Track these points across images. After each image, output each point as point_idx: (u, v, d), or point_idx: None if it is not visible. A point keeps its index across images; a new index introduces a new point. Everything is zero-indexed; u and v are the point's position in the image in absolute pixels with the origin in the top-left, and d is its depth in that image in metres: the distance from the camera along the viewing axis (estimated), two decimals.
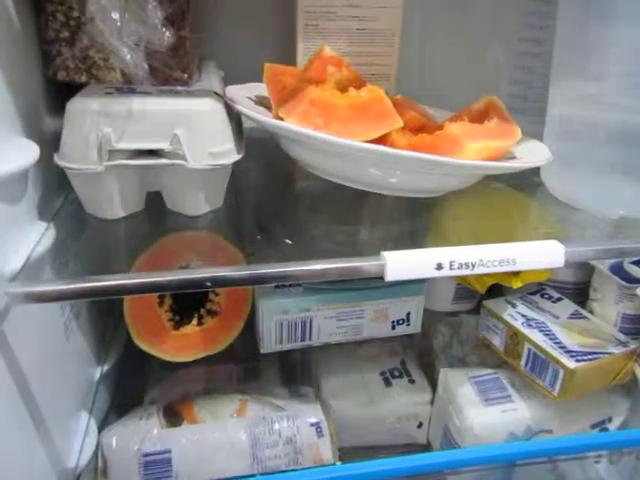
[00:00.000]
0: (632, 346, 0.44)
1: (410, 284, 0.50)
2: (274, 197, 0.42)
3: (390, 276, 0.29)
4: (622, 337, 0.46)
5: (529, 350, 0.45)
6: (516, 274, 0.50)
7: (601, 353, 0.44)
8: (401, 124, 0.32)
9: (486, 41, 0.58)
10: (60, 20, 0.34)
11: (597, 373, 0.43)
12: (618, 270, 0.47)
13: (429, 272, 0.29)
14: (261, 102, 0.42)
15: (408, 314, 0.51)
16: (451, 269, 0.30)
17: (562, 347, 0.44)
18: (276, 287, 0.48)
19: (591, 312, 0.50)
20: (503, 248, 0.31)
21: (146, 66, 0.30)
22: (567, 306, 0.50)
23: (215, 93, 0.36)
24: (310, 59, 0.41)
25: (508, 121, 0.39)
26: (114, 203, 0.33)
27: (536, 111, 0.49)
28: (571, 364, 0.42)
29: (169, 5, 0.33)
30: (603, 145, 0.38)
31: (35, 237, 0.31)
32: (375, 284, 0.49)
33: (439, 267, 0.30)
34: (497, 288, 0.52)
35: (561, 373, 0.42)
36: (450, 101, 0.55)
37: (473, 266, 0.30)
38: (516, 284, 0.49)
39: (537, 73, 0.56)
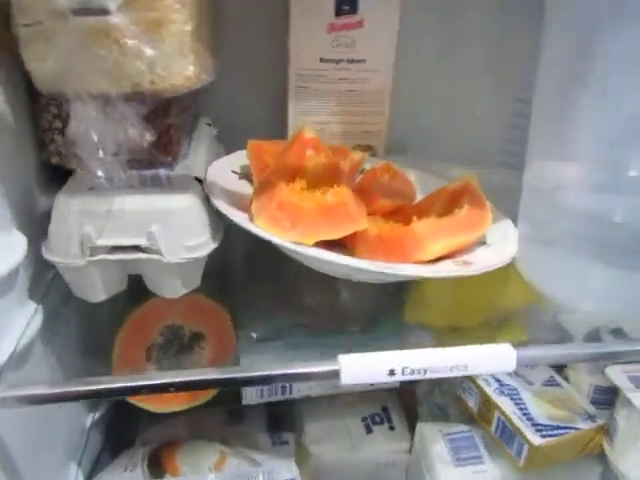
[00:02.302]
0: (601, 421, 0.45)
1: (388, 341, 0.52)
2: (253, 275, 0.45)
3: (344, 380, 0.31)
4: (592, 410, 0.47)
5: (499, 418, 0.47)
6: (494, 334, 0.51)
7: (569, 428, 0.45)
8: (364, 226, 0.34)
9: (480, 98, 0.58)
10: (53, 112, 0.37)
11: (563, 448, 0.44)
12: (592, 341, 0.48)
13: (382, 377, 0.31)
14: (246, 175, 0.44)
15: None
16: (403, 374, 0.31)
17: (530, 419, 0.45)
18: (257, 341, 0.50)
19: (566, 379, 0.51)
20: (455, 353, 0.32)
21: (123, 174, 0.32)
22: (543, 371, 0.51)
23: (196, 179, 0.38)
24: (292, 137, 0.42)
25: (480, 206, 0.40)
26: (97, 289, 0.36)
27: None
28: (536, 440, 0.43)
29: (152, 102, 0.35)
30: (575, 233, 0.39)
31: (23, 321, 0.34)
32: (355, 340, 0.51)
33: (391, 373, 0.31)
34: None
35: (526, 447, 0.44)
36: (441, 149, 0.57)
37: (425, 372, 0.32)
38: None
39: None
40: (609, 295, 0.38)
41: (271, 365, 0.31)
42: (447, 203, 0.42)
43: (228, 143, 0.56)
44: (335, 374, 0.31)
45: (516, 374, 0.51)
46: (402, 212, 0.41)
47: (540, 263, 0.41)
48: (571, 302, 0.39)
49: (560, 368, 0.53)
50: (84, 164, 0.30)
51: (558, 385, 0.50)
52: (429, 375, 0.32)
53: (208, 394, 0.49)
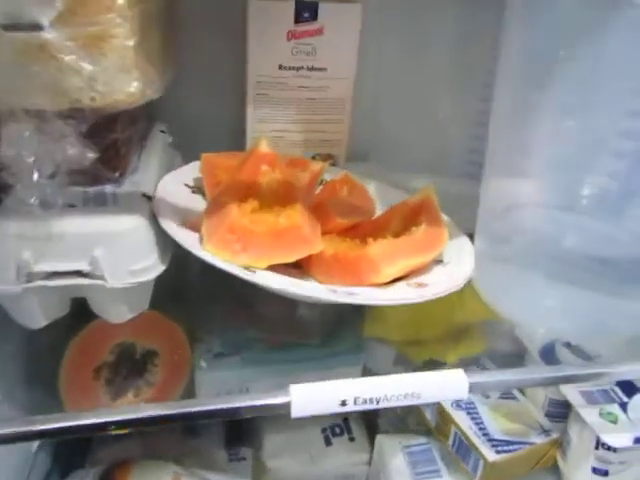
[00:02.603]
0: (555, 435, 0.46)
1: (348, 355, 0.51)
2: (210, 288, 0.43)
3: (295, 414, 0.30)
4: (547, 424, 0.47)
5: (455, 433, 0.47)
6: (453, 346, 0.52)
7: (524, 443, 0.45)
8: (318, 249, 0.33)
9: (443, 107, 0.58)
10: None
11: (518, 463, 0.45)
12: (548, 354, 0.48)
13: (334, 408, 0.30)
14: (199, 188, 0.42)
15: None
16: (355, 404, 0.31)
17: (486, 434, 0.45)
18: (215, 357, 0.49)
19: (522, 391, 0.51)
20: (408, 381, 0.32)
21: (59, 200, 0.30)
22: None
23: (144, 196, 0.37)
24: (248, 151, 0.40)
25: (438, 224, 0.39)
26: (36, 315, 0.34)
27: None
28: (491, 456, 0.43)
29: (93, 118, 0.33)
30: (530, 251, 0.39)
31: None
32: (314, 355, 0.50)
33: (343, 403, 0.31)
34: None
35: (481, 462, 0.44)
36: (403, 158, 0.56)
37: (377, 401, 0.31)
38: (450, 359, 0.51)
39: None
40: (564, 314, 0.39)
41: (214, 400, 0.30)
42: (405, 219, 0.41)
43: (186, 150, 0.54)
44: (286, 407, 0.30)
45: None
46: (360, 229, 0.40)
47: (496, 281, 0.41)
48: (525, 322, 0.39)
49: None
50: (18, 189, 0.28)
51: (514, 398, 0.50)
52: (382, 405, 0.31)
53: None
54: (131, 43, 0.29)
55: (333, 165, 0.54)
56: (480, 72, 0.52)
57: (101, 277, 0.32)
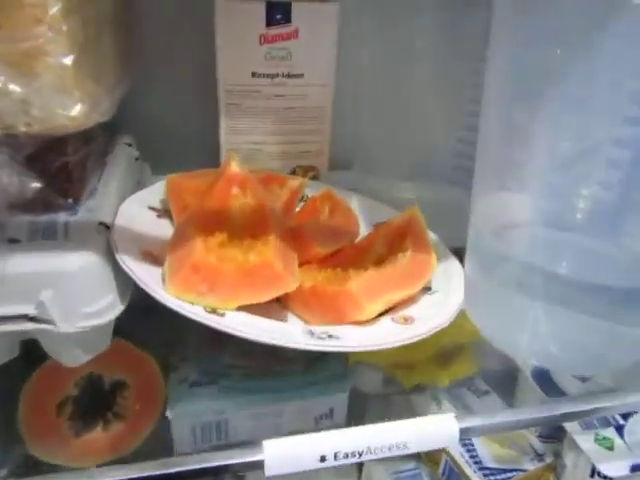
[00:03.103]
0: (548, 460, 0.44)
1: (332, 382, 0.48)
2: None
3: (269, 472, 0.27)
4: (540, 448, 0.45)
5: (446, 461, 0.44)
6: (444, 368, 0.49)
7: (516, 470, 0.43)
8: (293, 287, 0.30)
9: (428, 111, 0.55)
10: None
11: None
12: (541, 376, 0.46)
13: (312, 464, 0.28)
14: (167, 211, 0.39)
15: (331, 410, 0.50)
16: (336, 460, 0.28)
17: (477, 462, 0.43)
18: (190, 386, 0.46)
19: None
20: (394, 431, 0.29)
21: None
22: (493, 403, 0.49)
23: (101, 225, 0.33)
24: (218, 171, 0.37)
25: (424, 249, 0.36)
26: None
27: None
28: None
29: (34, 143, 0.29)
30: (521, 276, 0.36)
31: None
32: (294, 382, 0.47)
33: (322, 459, 0.28)
34: None
35: None
36: (387, 165, 0.53)
37: (360, 454, 0.28)
38: (443, 382, 0.48)
39: None
40: (559, 344, 0.36)
41: (180, 460, 0.27)
42: (389, 242, 0.38)
43: (157, 164, 0.51)
44: (259, 465, 0.27)
45: (466, 408, 0.48)
46: (341, 255, 0.37)
47: (486, 306, 0.38)
48: (517, 352, 0.36)
49: (510, 400, 0.51)
50: None
51: None
52: (365, 457, 0.28)
53: (133, 443, 0.44)
54: (68, 60, 0.25)
55: (314, 177, 0.51)
56: (467, 72, 0.49)
57: (50, 322, 0.29)
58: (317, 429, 0.51)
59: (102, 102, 0.30)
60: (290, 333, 0.29)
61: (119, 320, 0.33)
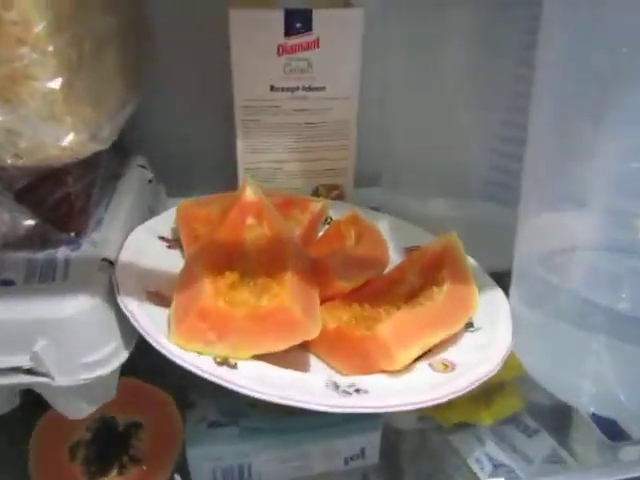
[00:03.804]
0: None
1: (363, 419, 0.44)
2: None
3: None
4: None
5: None
6: (487, 406, 0.44)
7: None
8: (314, 334, 0.26)
9: (462, 121, 0.50)
10: None
11: None
12: (606, 421, 0.41)
13: None
14: (178, 240, 0.36)
15: (363, 449, 0.46)
16: None
17: None
18: (209, 426, 0.43)
19: (571, 453, 0.44)
20: None
21: None
22: (544, 443, 0.44)
23: (104, 260, 0.30)
24: (233, 196, 0.33)
25: (464, 282, 0.32)
26: None
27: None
28: None
29: (27, 175, 0.27)
30: (576, 311, 0.31)
31: None
32: (321, 420, 0.43)
33: None
34: None
35: None
36: (418, 180, 0.49)
37: None
38: (486, 421, 0.43)
39: (520, 159, 0.49)
40: (625, 390, 0.31)
41: None
42: (424, 272, 0.34)
43: (172, 187, 0.48)
44: None
45: (513, 449, 0.43)
46: (369, 289, 0.33)
47: (536, 345, 0.33)
48: (573, 399, 0.31)
49: (564, 438, 0.46)
50: None
51: (562, 462, 0.43)
52: None
53: None
54: (56, 84, 0.22)
55: (339, 196, 0.47)
56: (501, 80, 0.44)
57: (46, 374, 0.26)
58: (348, 471, 0.47)
59: (102, 128, 0.27)
60: (311, 389, 0.25)
61: (130, 355, 0.30)
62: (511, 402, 0.44)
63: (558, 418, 0.47)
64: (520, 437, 0.45)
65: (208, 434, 0.41)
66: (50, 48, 0.22)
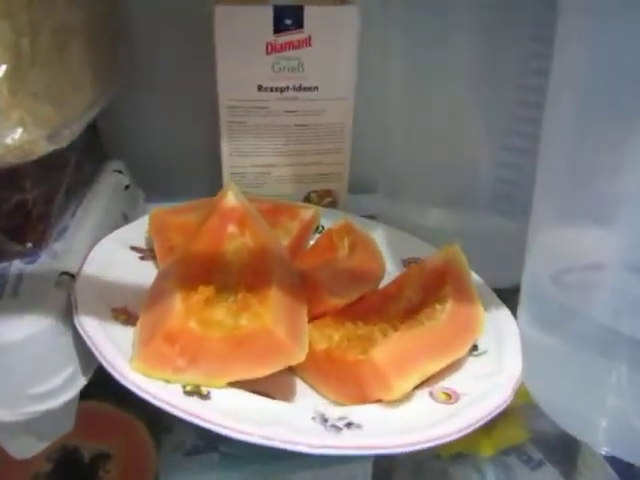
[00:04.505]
0: None
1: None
2: None
3: None
4: None
5: None
6: (488, 434, 0.41)
7: None
8: (300, 359, 0.23)
9: (463, 127, 0.47)
10: None
11: None
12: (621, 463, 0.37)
13: None
14: (152, 251, 0.32)
15: (353, 478, 0.42)
16: None
17: None
18: (186, 454, 0.39)
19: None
20: None
21: None
22: (549, 477, 0.41)
23: (65, 274, 0.27)
24: (213, 204, 0.30)
25: (468, 299, 0.29)
26: None
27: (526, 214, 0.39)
28: None
29: None
30: (593, 336, 0.28)
31: None
32: None
33: None
34: None
35: None
36: (416, 188, 0.46)
37: None
38: (486, 451, 0.40)
39: (526, 170, 0.46)
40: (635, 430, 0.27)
41: None
42: (424, 288, 0.31)
43: (151, 190, 0.45)
44: None
45: None
46: (363, 305, 0.29)
47: (547, 375, 0.30)
48: (585, 434, 0.28)
49: (571, 473, 0.42)
50: None
51: None
52: None
53: None
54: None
55: (332, 203, 0.44)
56: (508, 85, 0.41)
57: None
58: None
59: (62, 125, 0.24)
60: (295, 424, 0.21)
61: (96, 374, 0.27)
62: (515, 432, 0.41)
63: (565, 449, 0.44)
64: (523, 469, 0.41)
65: (184, 463, 0.38)
66: None
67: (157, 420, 0.37)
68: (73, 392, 0.24)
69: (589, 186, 0.26)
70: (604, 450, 0.27)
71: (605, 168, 0.25)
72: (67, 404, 0.24)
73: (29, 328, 0.23)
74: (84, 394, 0.27)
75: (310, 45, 0.38)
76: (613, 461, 0.37)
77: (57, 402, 0.24)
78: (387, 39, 0.41)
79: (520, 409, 0.41)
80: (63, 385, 0.24)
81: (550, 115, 0.28)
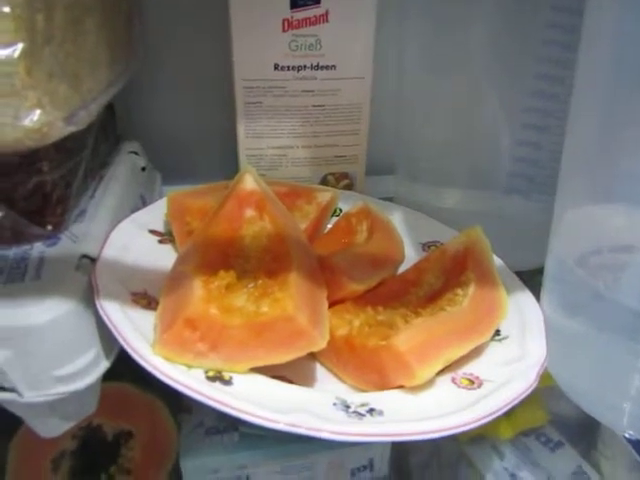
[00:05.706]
0: None
1: None
2: None
3: None
4: None
5: None
6: (508, 417, 0.41)
7: None
8: (321, 346, 0.22)
9: (482, 106, 0.46)
10: None
11: None
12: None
13: None
14: (171, 234, 0.32)
15: (371, 461, 0.42)
16: None
17: None
18: (206, 433, 0.39)
19: (598, 470, 0.40)
20: None
21: None
22: (568, 458, 0.40)
23: (85, 257, 0.27)
24: (230, 188, 0.30)
25: (491, 284, 0.28)
26: None
27: (545, 194, 0.38)
28: None
29: None
30: (628, 321, 0.27)
31: None
32: None
33: None
34: None
35: None
36: (434, 169, 0.45)
37: None
38: (506, 434, 0.40)
39: (545, 149, 0.44)
40: None
41: None
42: (445, 273, 0.30)
43: (168, 172, 0.44)
44: None
45: (534, 463, 0.40)
46: (383, 290, 0.29)
47: (568, 357, 0.30)
48: (610, 419, 0.28)
49: (591, 454, 0.42)
50: None
51: (587, 478, 0.39)
52: None
53: None
54: (15, 51, 0.18)
55: (349, 186, 0.43)
56: (527, 62, 0.40)
57: (12, 389, 0.23)
58: None
59: (79, 106, 0.24)
60: (318, 411, 0.21)
61: (119, 357, 0.27)
62: (535, 415, 0.41)
63: (584, 431, 0.44)
64: (542, 451, 0.41)
65: (204, 443, 0.38)
66: (5, 9, 0.18)
67: (177, 400, 0.38)
68: (96, 374, 0.24)
69: (619, 163, 0.25)
70: (628, 433, 0.27)
71: (636, 144, 0.24)
72: (91, 386, 0.25)
73: (54, 311, 0.23)
74: (106, 376, 0.28)
75: (327, 21, 0.37)
76: (636, 444, 0.36)
77: (81, 384, 0.24)
78: (405, 20, 0.40)
79: (540, 392, 0.41)
80: (87, 367, 0.24)
81: (579, 89, 0.27)
